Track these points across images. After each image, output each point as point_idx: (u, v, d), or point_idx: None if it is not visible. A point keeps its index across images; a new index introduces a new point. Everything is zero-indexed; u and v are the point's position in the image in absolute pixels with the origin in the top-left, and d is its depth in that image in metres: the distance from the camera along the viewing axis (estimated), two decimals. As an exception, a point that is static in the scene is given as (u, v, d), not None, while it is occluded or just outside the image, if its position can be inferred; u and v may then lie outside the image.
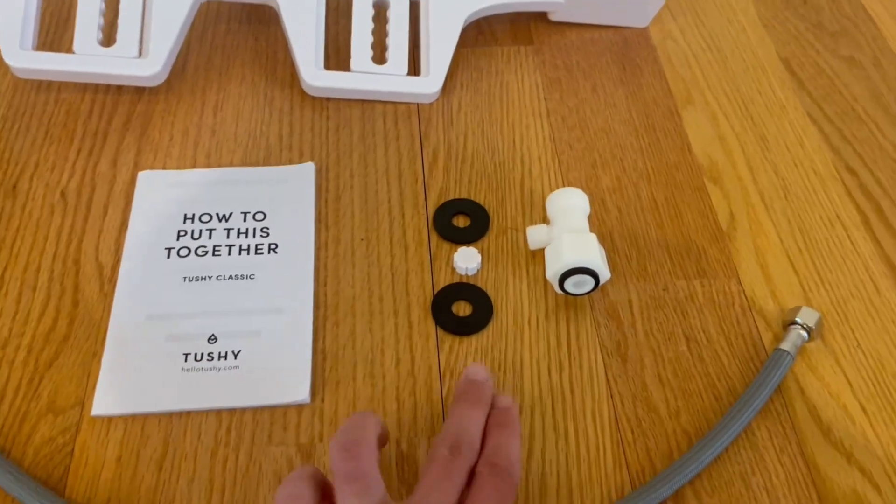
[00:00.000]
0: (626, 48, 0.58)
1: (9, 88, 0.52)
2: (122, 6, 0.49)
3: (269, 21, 0.58)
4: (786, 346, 0.41)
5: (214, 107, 0.53)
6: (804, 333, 0.42)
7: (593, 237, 0.43)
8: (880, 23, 0.61)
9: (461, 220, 0.48)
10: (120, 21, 0.49)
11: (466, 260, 0.45)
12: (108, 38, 0.50)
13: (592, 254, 0.42)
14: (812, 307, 0.43)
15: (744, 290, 0.45)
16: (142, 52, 0.50)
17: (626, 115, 0.54)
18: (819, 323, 0.42)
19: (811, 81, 0.57)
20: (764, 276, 0.46)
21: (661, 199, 0.49)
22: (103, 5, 0.50)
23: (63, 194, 0.47)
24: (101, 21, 0.49)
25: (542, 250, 0.46)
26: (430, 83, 0.53)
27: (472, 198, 0.49)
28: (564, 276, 0.42)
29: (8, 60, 0.48)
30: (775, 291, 0.45)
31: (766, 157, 0.52)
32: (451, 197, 0.49)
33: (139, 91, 0.53)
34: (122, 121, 0.51)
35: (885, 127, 0.54)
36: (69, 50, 0.50)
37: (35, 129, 0.50)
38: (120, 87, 0.53)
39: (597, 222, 0.48)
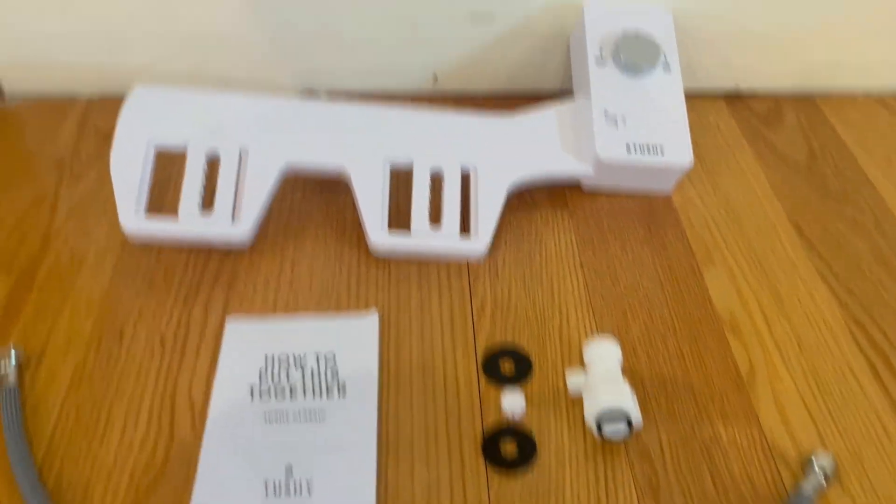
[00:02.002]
0: (652, 212, 0.66)
1: (117, 245, 0.61)
2: (219, 180, 0.59)
3: (338, 190, 0.67)
4: (805, 489, 0.45)
5: (292, 262, 0.61)
6: (821, 477, 0.46)
7: (626, 384, 0.49)
8: (880, 187, 0.69)
9: (507, 365, 0.54)
10: (217, 193, 0.58)
11: (512, 403, 0.51)
12: (208, 205, 0.59)
13: (626, 400, 0.47)
14: (828, 451, 0.48)
15: (764, 434, 0.50)
16: (234, 218, 0.58)
17: (653, 272, 0.61)
18: (834, 467, 0.46)
19: (819, 242, 0.64)
20: (782, 420, 0.51)
21: (686, 348, 0.55)
22: (205, 179, 0.59)
23: (162, 339, 0.55)
24: (203, 191, 0.59)
25: (580, 394, 0.51)
26: (478, 244, 0.61)
27: (517, 343, 0.55)
28: (601, 420, 0.48)
29: (124, 224, 0.57)
30: (793, 435, 0.50)
31: (780, 311, 0.58)
32: (498, 343, 0.55)
33: (227, 249, 0.61)
34: (213, 274, 0.59)
35: (888, 284, 0.60)
36: (169, 210, 0.59)
37: (139, 282, 0.58)
38: (211, 246, 0.61)
39: (628, 368, 0.54)
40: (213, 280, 0.59)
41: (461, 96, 0.78)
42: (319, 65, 0.75)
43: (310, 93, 0.77)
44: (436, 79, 0.77)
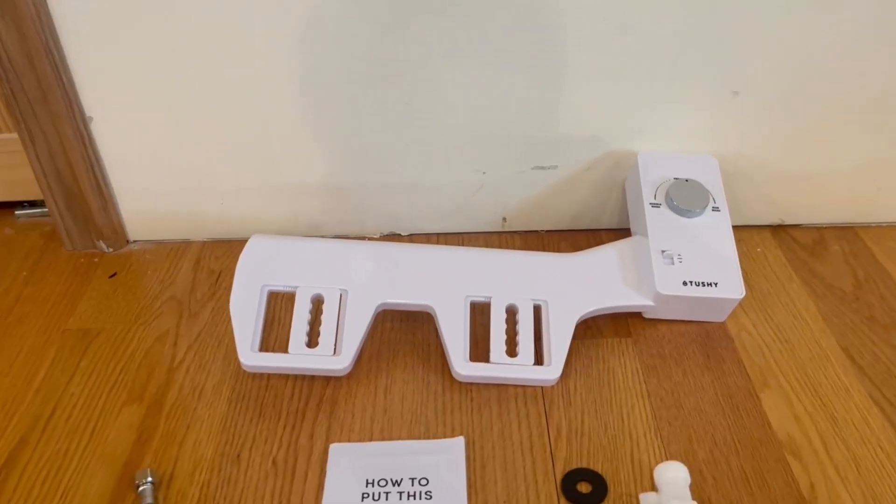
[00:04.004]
0: (708, 339, 0.72)
1: (232, 376, 0.69)
2: (323, 319, 0.67)
3: (423, 320, 0.75)
4: None
5: (385, 390, 0.68)
6: None
7: (695, 505, 0.53)
8: (925, 315, 0.74)
9: (584, 487, 0.59)
10: (322, 329, 0.67)
11: (592, 522, 0.56)
12: (313, 341, 0.67)
13: (696, 520, 0.52)
14: (890, 571, 0.51)
15: (829, 554, 0.54)
16: (336, 351, 0.66)
17: (714, 397, 0.66)
18: (898, 585, 0.50)
19: (870, 368, 0.68)
20: (846, 541, 0.55)
21: (749, 470, 0.60)
22: (311, 316, 0.68)
23: (274, 462, 0.62)
24: (308, 329, 0.67)
25: (653, 515, 0.56)
26: (551, 371, 0.67)
27: (592, 467, 0.61)
28: (674, 539, 0.52)
29: (243, 360, 0.65)
30: (857, 555, 0.54)
31: (837, 434, 0.62)
32: (574, 466, 0.61)
33: (328, 377, 0.69)
34: (316, 402, 0.67)
35: (939, 408, 0.64)
36: (277, 343, 0.68)
37: (252, 410, 0.66)
38: (314, 375, 0.69)
39: (697, 490, 0.58)
40: (316, 407, 0.66)
41: (528, 234, 0.87)
42: (400, 210, 0.84)
43: (393, 236, 0.86)
44: (504, 220, 0.86)
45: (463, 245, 0.85)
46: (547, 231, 0.87)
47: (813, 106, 0.77)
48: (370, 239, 0.86)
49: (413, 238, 0.87)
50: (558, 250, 0.84)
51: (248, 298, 0.68)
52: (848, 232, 0.85)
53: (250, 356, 0.66)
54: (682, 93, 0.76)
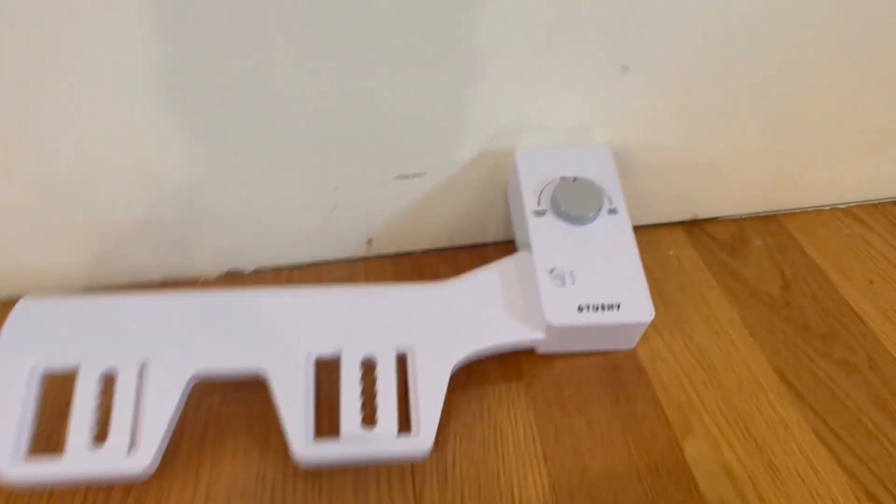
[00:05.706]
0: (616, 373, 0.58)
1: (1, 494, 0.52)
2: (115, 403, 0.51)
3: (263, 387, 0.59)
4: None
5: (207, 485, 0.52)
6: None
7: None
8: (865, 317, 0.62)
9: None
10: (112, 419, 0.50)
11: None
12: (100, 434, 0.51)
13: None
14: None
15: None
16: (132, 447, 0.50)
17: (626, 454, 0.52)
18: None
19: (810, 393, 0.56)
20: None
21: (675, 555, 0.46)
22: (98, 401, 0.51)
23: None
24: (94, 418, 0.51)
25: None
26: (421, 441, 0.52)
27: (474, 571, 0.46)
28: None
29: (2, 470, 0.49)
30: None
31: (778, 490, 0.50)
32: (451, 572, 0.46)
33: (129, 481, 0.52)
34: (113, 515, 0.50)
35: (895, 438, 0.52)
36: (58, 446, 0.51)
37: (24, 536, 0.49)
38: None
39: (609, 590, 0.45)
40: (112, 524, 0.50)
41: (400, 256, 0.72)
42: (240, 244, 0.68)
43: (234, 274, 0.70)
44: (370, 243, 0.71)
45: (322, 278, 0.70)
46: (423, 251, 0.72)
47: (718, 81, 0.64)
48: (205, 281, 0.70)
49: (259, 274, 0.71)
50: (437, 272, 0.70)
51: (10, 387, 0.51)
52: (770, 222, 0.73)
53: (12, 466, 0.49)
54: (562, 73, 0.62)
